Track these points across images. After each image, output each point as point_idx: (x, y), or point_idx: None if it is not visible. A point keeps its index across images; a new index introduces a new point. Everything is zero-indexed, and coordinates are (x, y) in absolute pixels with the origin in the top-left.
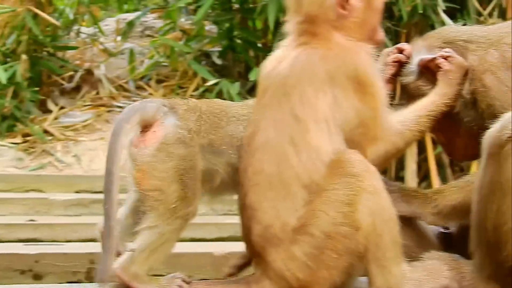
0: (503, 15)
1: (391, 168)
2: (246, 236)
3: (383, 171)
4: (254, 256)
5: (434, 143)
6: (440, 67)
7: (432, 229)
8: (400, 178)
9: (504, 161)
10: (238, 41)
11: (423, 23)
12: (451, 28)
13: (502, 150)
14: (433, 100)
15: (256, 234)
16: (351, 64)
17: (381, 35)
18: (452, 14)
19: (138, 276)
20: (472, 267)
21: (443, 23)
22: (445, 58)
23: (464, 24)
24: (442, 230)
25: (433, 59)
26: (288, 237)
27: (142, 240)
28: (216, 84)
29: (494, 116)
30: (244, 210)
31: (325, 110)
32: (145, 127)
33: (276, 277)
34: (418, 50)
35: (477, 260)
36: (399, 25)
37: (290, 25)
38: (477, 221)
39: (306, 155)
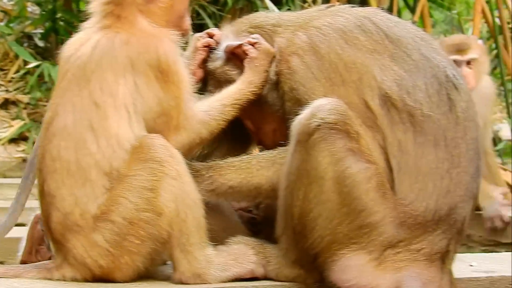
0: (327, 2)
1: None
2: (45, 223)
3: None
4: (55, 243)
5: None
6: (247, 54)
7: (238, 214)
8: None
9: (312, 149)
10: (61, 23)
11: (248, 9)
12: (260, 14)
13: (310, 138)
14: (239, 88)
15: (55, 221)
16: (154, 52)
17: (187, 23)
18: (277, 0)
19: None
20: (277, 252)
21: (267, 9)
22: (252, 44)
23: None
24: (248, 215)
25: (240, 45)
26: (89, 224)
27: None
28: (37, 66)
29: (297, 100)
30: (42, 197)
31: (125, 97)
32: None
33: (77, 264)
34: (226, 35)
35: (283, 245)
36: (223, 10)
37: (95, 5)
38: (284, 207)
39: (106, 142)
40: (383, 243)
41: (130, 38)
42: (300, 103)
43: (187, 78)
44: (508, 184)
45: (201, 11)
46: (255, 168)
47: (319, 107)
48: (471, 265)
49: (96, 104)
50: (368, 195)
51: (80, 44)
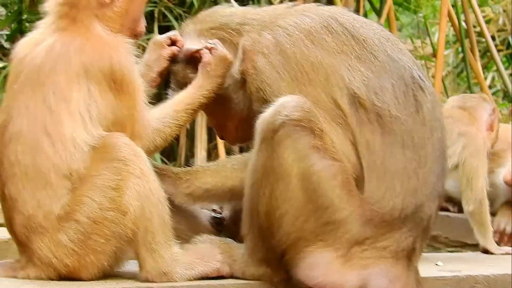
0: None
1: (181, 155)
2: (9, 226)
3: (173, 159)
4: (19, 245)
5: None
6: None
7: (204, 213)
8: (190, 165)
9: (277, 147)
10: (28, 24)
11: None
12: (224, 11)
13: (275, 135)
14: (190, 93)
15: (18, 224)
16: (108, 61)
17: (142, 26)
18: (244, 3)
19: None
20: (243, 251)
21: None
22: (209, 49)
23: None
24: (214, 214)
25: (197, 51)
26: (53, 225)
27: None
28: (4, 68)
29: (264, 100)
30: (4, 201)
31: (79, 103)
32: None
33: (42, 265)
34: (189, 34)
35: (249, 244)
36: (190, 12)
37: (50, 5)
38: (249, 205)
39: (62, 146)
40: (350, 240)
41: (85, 45)
42: (268, 103)
43: (141, 87)
44: None
45: (167, 13)
46: (229, 170)
47: (284, 104)
48: (437, 264)
49: (50, 108)
50: (334, 192)
51: (34, 45)
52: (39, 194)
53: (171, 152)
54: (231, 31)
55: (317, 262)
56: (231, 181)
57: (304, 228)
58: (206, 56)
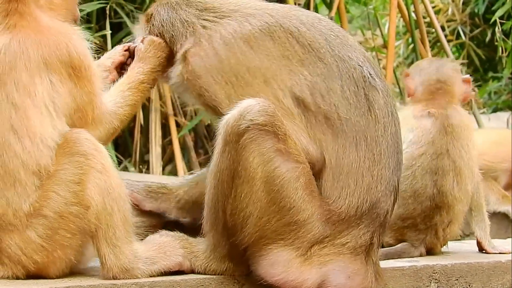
0: None
1: (136, 152)
2: None
3: (128, 155)
4: None
5: (178, 126)
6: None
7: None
8: (145, 161)
9: (242, 150)
10: None
11: None
12: (170, 12)
13: (240, 139)
14: (128, 75)
15: None
16: (65, 49)
17: (78, 12)
18: None
19: None
20: (205, 247)
21: None
22: (142, 40)
23: None
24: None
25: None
26: (22, 222)
27: None
28: None
29: (207, 106)
30: None
31: (44, 96)
32: None
33: (11, 263)
34: (138, 32)
35: (211, 240)
36: (141, 9)
37: None
38: (213, 205)
39: (30, 142)
40: (311, 240)
41: (40, 38)
42: (210, 108)
43: (97, 73)
44: None
45: (118, 10)
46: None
47: (248, 108)
48: None
49: (15, 105)
50: (297, 194)
51: None
52: (8, 193)
53: (126, 148)
54: (174, 35)
55: (277, 260)
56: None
57: (267, 227)
58: (137, 42)
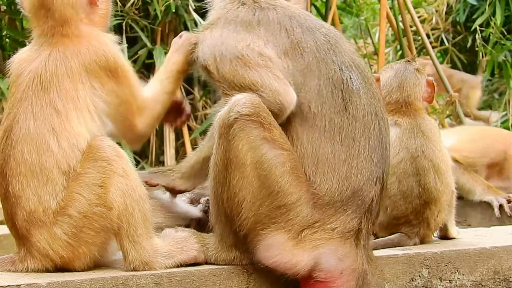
0: None
1: (152, 153)
2: (10, 221)
3: (145, 156)
4: (19, 239)
5: (190, 129)
6: None
7: (187, 214)
8: (160, 162)
9: (232, 139)
10: (7, 40)
11: (177, 21)
12: None
13: (230, 130)
14: (164, 65)
15: (21, 219)
16: (102, 55)
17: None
18: (204, 13)
19: None
20: (214, 239)
21: (194, 21)
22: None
23: None
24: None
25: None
26: (50, 219)
27: None
28: None
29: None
30: (7, 199)
31: (86, 99)
32: None
33: (40, 256)
34: None
35: (218, 232)
36: (154, 23)
37: (38, 30)
38: (214, 196)
39: (66, 143)
40: (301, 223)
41: (79, 48)
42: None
43: (131, 69)
44: None
45: (134, 25)
46: (201, 145)
47: (235, 102)
48: None
49: (57, 109)
50: (284, 178)
51: (30, 61)
52: (40, 191)
53: (143, 151)
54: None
55: (272, 244)
56: (203, 153)
57: (260, 212)
58: (176, 39)
